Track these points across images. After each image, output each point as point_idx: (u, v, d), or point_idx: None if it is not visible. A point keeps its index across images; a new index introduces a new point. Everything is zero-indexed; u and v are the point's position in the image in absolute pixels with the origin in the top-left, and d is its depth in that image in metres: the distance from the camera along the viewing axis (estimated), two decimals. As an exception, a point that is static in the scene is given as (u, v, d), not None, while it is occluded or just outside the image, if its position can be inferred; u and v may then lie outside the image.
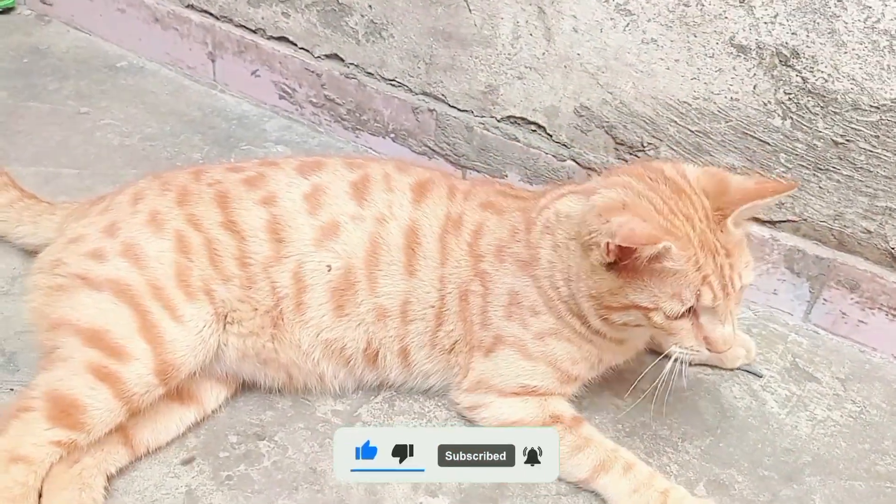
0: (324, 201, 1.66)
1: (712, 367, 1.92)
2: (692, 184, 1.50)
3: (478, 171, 2.37)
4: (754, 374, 1.92)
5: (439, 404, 1.76)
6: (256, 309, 1.62)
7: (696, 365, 1.87)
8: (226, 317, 1.61)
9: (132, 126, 2.61)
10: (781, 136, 1.89)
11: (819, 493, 1.65)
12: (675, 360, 1.52)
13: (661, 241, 1.35)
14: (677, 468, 1.68)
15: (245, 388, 1.74)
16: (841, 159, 1.84)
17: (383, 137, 2.53)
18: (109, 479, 1.50)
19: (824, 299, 2.01)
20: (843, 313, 2.00)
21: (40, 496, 1.40)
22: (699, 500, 1.55)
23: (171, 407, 1.61)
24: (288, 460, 1.61)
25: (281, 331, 1.64)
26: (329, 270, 1.63)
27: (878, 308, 1.94)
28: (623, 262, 1.42)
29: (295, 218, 1.64)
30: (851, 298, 1.97)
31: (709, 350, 1.50)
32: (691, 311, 1.46)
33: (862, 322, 1.98)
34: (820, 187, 1.89)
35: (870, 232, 1.88)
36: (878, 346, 1.99)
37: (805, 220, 1.95)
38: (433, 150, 2.43)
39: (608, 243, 1.40)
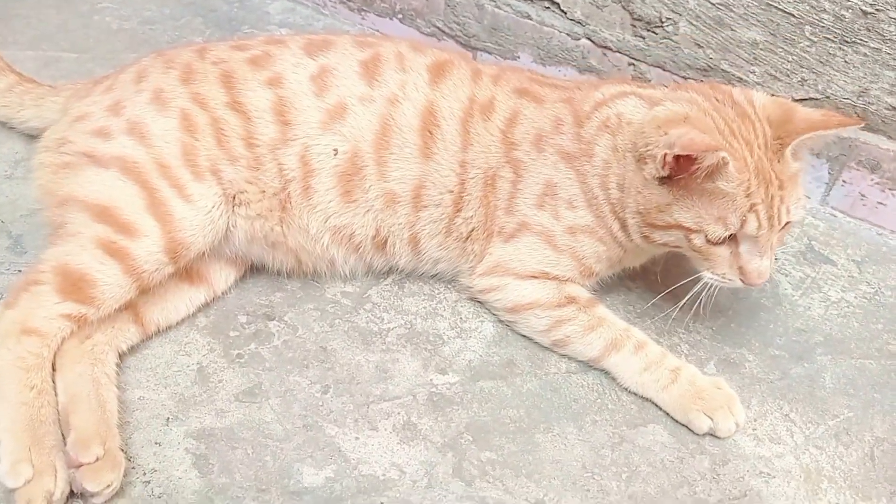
0: (331, 83, 1.61)
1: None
2: (757, 110, 1.47)
3: (489, 53, 2.29)
4: None
5: (449, 286, 1.75)
6: (264, 191, 1.59)
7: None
8: (234, 198, 1.59)
9: (130, 9, 2.53)
10: (808, 7, 1.79)
11: (830, 371, 1.65)
12: (705, 285, 1.51)
13: (721, 151, 1.33)
14: (688, 348, 1.68)
15: (254, 270, 1.73)
16: (869, 31, 1.76)
17: (390, 18, 2.44)
18: (121, 356, 1.51)
19: (843, 181, 1.96)
20: (862, 195, 1.95)
21: (54, 369, 1.41)
22: (709, 378, 1.55)
23: (181, 287, 1.61)
24: (298, 339, 1.61)
25: (289, 215, 1.62)
26: (335, 154, 1.59)
27: (899, 189, 1.89)
28: (677, 176, 1.40)
29: (301, 100, 1.60)
30: (871, 179, 1.92)
31: (742, 281, 1.48)
32: (732, 239, 1.45)
33: (881, 204, 1.94)
34: (845, 62, 1.81)
35: (894, 109, 1.81)
36: (895, 228, 1.95)
37: (828, 97, 1.88)
38: (442, 31, 2.34)
39: (665, 154, 1.37)
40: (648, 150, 1.42)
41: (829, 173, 1.96)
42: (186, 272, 1.60)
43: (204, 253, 1.57)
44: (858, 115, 1.86)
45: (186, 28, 2.47)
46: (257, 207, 1.60)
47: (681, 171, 1.39)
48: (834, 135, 1.46)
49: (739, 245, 1.46)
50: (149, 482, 1.34)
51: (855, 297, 1.82)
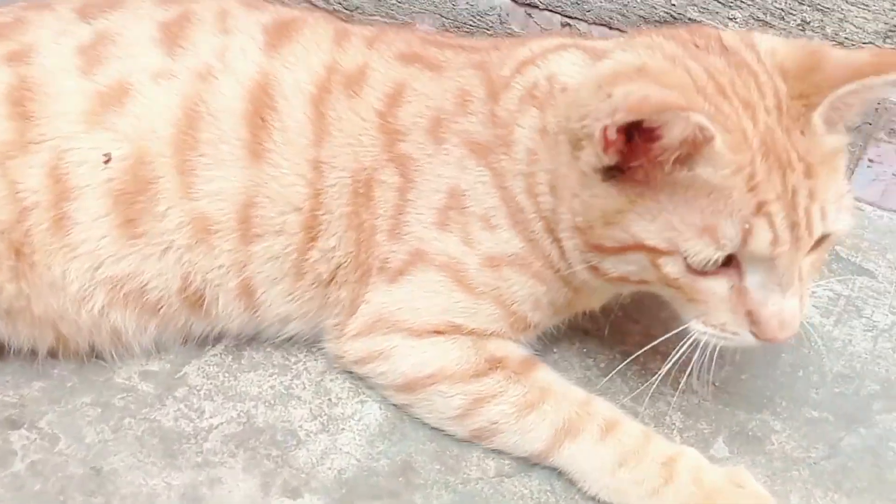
0: (108, 54, 1.08)
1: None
2: (762, 57, 0.93)
3: (379, 30, 1.76)
4: None
5: (313, 351, 1.16)
6: None
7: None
8: None
9: None
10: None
11: (901, 436, 1.10)
12: (696, 342, 0.96)
13: (695, 112, 0.81)
14: (682, 417, 1.12)
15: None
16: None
17: (249, -4, 1.89)
18: None
19: (869, 160, 1.44)
20: (898, 177, 1.43)
21: None
22: (722, 471, 1.00)
23: None
24: (57, 458, 1.00)
25: (28, 264, 1.04)
26: (107, 163, 1.04)
27: (950, 164, 1.37)
28: (631, 164, 0.87)
29: (56, 81, 1.05)
30: (910, 154, 1.40)
31: (754, 335, 0.93)
32: (732, 265, 0.91)
33: (924, 187, 1.42)
34: (866, -9, 1.30)
35: (938, 48, 1.31)
36: (948, 221, 1.43)
37: (841, 43, 1.37)
38: (315, 5, 1.81)
39: (605, 128, 0.83)
40: (584, 127, 0.87)
41: (850, 151, 1.42)
42: None
43: None
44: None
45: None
46: None
47: (635, 156, 0.85)
48: (894, 83, 0.89)
49: (745, 275, 0.90)
50: None
51: (912, 322, 1.27)
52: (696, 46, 0.94)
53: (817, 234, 0.88)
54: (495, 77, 1.08)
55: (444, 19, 1.69)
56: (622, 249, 0.91)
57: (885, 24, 1.33)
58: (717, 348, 0.95)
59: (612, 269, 0.95)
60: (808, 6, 1.36)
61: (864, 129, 1.40)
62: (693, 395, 1.14)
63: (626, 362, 1.08)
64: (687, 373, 0.99)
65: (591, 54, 1.04)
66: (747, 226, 0.85)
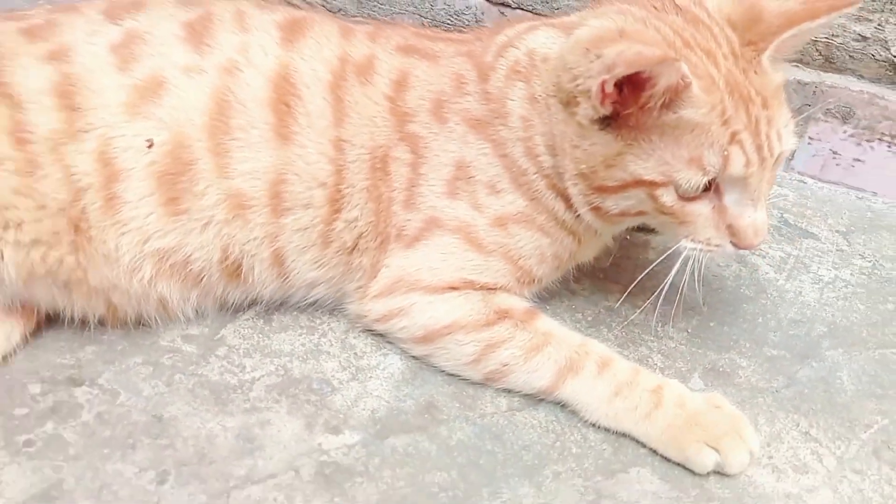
0: (141, 52, 1.18)
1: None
2: (711, 13, 1.10)
3: (362, 32, 1.88)
4: None
5: (335, 314, 1.29)
6: (44, 206, 1.12)
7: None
8: None
9: None
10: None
11: (845, 368, 1.27)
12: (687, 259, 1.13)
13: (679, 61, 0.96)
14: (661, 359, 1.27)
15: (51, 320, 1.22)
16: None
17: None
18: None
19: (809, 138, 1.62)
20: (835, 153, 1.62)
21: None
22: (701, 396, 1.15)
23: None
24: (120, 409, 1.11)
25: (86, 239, 1.14)
26: (150, 147, 1.14)
27: (878, 139, 1.57)
28: (624, 112, 1.02)
29: (97, 76, 1.15)
30: (844, 132, 1.59)
31: (734, 245, 1.11)
32: (712, 189, 1.08)
33: (857, 161, 1.61)
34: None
35: (865, 38, 1.49)
36: (878, 189, 1.63)
37: None
38: (298, 8, 1.91)
39: (603, 82, 0.98)
40: (578, 86, 1.03)
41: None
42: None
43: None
44: (819, 52, 1.52)
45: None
46: (34, 230, 1.12)
47: (628, 104, 1.01)
48: (826, 24, 1.09)
49: (723, 196, 1.08)
50: None
51: (851, 275, 1.45)
52: (656, 9, 1.11)
53: (776, 153, 1.07)
54: (482, 62, 1.22)
55: (422, 18, 1.82)
56: (623, 187, 1.07)
57: (819, 18, 1.51)
58: (702, 270, 1.12)
59: (613, 207, 1.11)
60: None
61: (804, 110, 1.58)
62: (670, 341, 1.29)
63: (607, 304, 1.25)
64: (658, 309, 1.16)
65: (560, 28, 1.19)
66: (725, 153, 1.02)
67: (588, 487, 1.06)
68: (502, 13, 1.72)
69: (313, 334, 1.26)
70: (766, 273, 1.44)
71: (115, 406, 1.12)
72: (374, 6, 1.84)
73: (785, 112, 1.09)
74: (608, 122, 1.04)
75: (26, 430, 1.07)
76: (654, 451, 1.11)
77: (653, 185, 1.05)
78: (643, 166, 1.05)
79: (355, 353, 1.23)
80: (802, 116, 1.58)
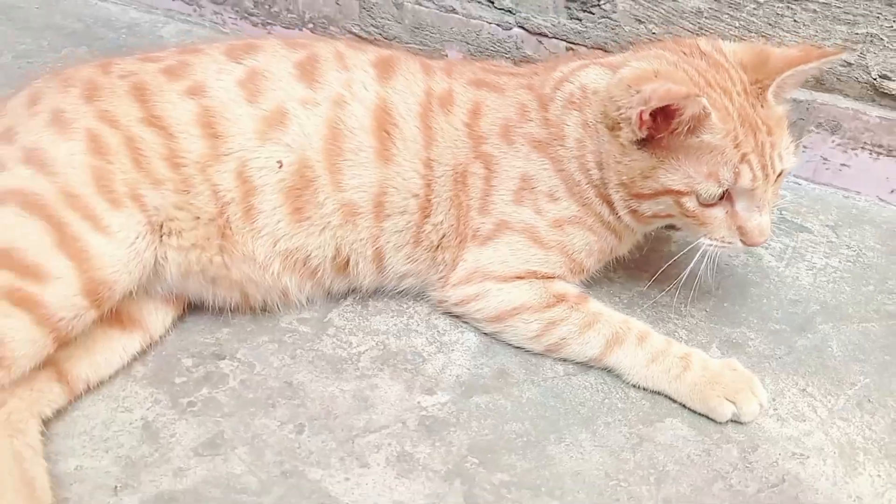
0: (264, 87, 1.43)
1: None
2: (728, 57, 1.37)
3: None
4: None
5: (418, 299, 1.57)
6: (198, 217, 1.38)
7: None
8: (161, 227, 1.37)
9: (2, 43, 2.27)
10: (753, -34, 1.73)
11: (834, 339, 1.54)
12: (704, 253, 1.39)
13: (702, 97, 1.23)
14: (686, 333, 1.54)
15: (192, 307, 1.50)
16: (818, -16, 1.70)
17: (300, 29, 2.26)
18: (45, 422, 1.26)
19: (804, 147, 1.88)
20: (825, 159, 1.88)
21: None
22: (721, 361, 1.42)
23: (111, 335, 1.37)
24: (257, 377, 1.39)
25: (230, 242, 1.41)
26: (280, 167, 1.40)
27: (861, 147, 1.83)
28: (657, 136, 1.29)
29: (231, 108, 1.40)
30: (832, 141, 1.85)
31: (743, 242, 1.37)
32: (726, 198, 1.34)
33: (844, 166, 1.87)
34: (795, 21, 1.75)
35: (850, 64, 1.76)
36: (861, 189, 1.89)
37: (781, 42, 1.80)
38: (359, 37, 2.18)
39: (641, 112, 1.25)
40: (621, 114, 1.30)
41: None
42: (115, 316, 1.36)
43: (132, 292, 1.34)
44: (812, 75, 1.79)
45: (69, 60, 2.20)
46: (191, 236, 1.39)
47: (660, 130, 1.28)
48: (816, 68, 1.37)
49: (735, 203, 1.35)
50: (102, 568, 1.09)
51: (839, 262, 1.73)
52: (685, 54, 1.39)
53: (778, 170, 1.34)
54: (542, 94, 1.48)
55: (469, 46, 2.07)
56: (655, 195, 1.34)
57: (811, 45, 1.77)
58: (716, 261, 1.39)
59: (647, 210, 1.38)
60: (755, 33, 1.79)
61: (799, 123, 1.85)
62: (691, 318, 1.57)
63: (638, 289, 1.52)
64: (678, 293, 1.45)
65: (607, 67, 1.46)
66: (737, 170, 1.29)
67: (632, 433, 1.34)
68: (539, 41, 1.97)
69: (402, 316, 1.54)
70: (769, 262, 1.72)
71: (254, 375, 1.39)
72: (427, 35, 2.09)
73: (786, 137, 1.36)
74: (644, 143, 1.31)
75: (187, 394, 1.35)
76: (684, 405, 1.38)
77: (679, 193, 1.33)
78: (672, 178, 1.32)
79: (438, 331, 1.51)
80: (797, 129, 1.86)
